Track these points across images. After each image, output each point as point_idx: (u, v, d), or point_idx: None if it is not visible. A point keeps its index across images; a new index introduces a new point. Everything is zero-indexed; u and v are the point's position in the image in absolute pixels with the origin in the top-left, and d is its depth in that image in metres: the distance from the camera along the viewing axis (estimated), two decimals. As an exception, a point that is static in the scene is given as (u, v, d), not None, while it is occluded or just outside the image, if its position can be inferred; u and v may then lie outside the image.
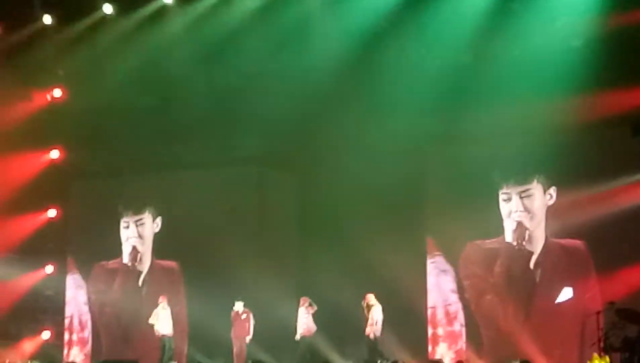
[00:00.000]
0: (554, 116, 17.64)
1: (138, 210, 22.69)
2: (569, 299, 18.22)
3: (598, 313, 15.83)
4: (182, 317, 21.46)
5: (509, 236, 18.96)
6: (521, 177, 18.82)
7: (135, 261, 22.71)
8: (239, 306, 20.19)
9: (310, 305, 19.61)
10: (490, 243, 19.12)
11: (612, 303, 16.13)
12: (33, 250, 22.31)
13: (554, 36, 17.72)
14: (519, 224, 18.87)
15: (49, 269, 22.92)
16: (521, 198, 18.90)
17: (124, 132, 21.60)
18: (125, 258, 22.81)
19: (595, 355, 14.82)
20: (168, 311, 20.66)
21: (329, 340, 19.20)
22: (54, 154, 23.21)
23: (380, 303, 18.67)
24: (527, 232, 18.79)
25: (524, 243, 18.78)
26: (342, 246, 19.49)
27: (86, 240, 22.78)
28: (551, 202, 18.62)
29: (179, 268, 22.14)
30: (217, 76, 20.65)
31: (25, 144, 21.98)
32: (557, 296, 18.27)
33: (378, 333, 18.59)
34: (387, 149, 19.51)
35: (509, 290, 18.75)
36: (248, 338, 20.05)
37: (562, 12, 17.48)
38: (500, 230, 19.02)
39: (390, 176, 19.29)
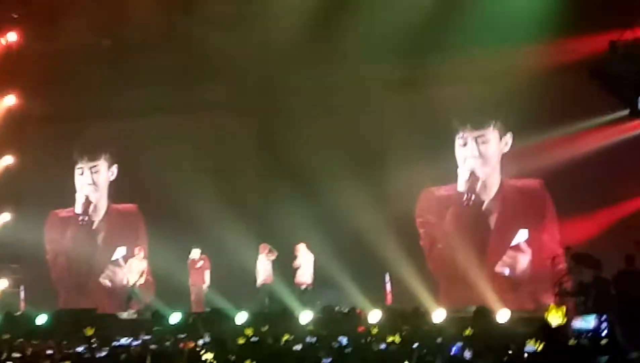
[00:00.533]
0: (514, 62, 17.60)
1: (93, 157, 22.44)
2: (525, 240, 18.33)
3: (554, 257, 15.95)
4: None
5: (461, 186, 19.00)
6: (478, 122, 18.82)
7: (88, 210, 22.51)
8: (195, 253, 20.11)
9: (270, 251, 19.58)
10: (445, 190, 19.18)
11: (568, 248, 16.29)
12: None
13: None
14: (472, 173, 19.01)
15: (5, 216, 22.58)
16: (477, 143, 18.90)
17: (81, 76, 21.21)
18: (78, 208, 22.59)
19: (552, 304, 14.88)
20: (144, 263, 20.56)
21: (288, 287, 19.14)
22: (10, 100, 22.72)
23: (342, 251, 18.65)
24: (479, 182, 18.87)
25: (474, 194, 18.92)
26: (303, 193, 19.41)
27: (42, 187, 22.42)
28: (506, 149, 18.71)
29: (139, 212, 21.98)
30: (178, 20, 20.29)
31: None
32: (512, 238, 18.38)
33: (309, 282, 18.95)
34: (347, 96, 19.37)
35: (461, 238, 18.82)
36: (205, 286, 20.00)
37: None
38: (455, 177, 19.05)
39: (350, 123, 19.24)
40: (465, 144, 19.04)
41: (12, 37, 22.17)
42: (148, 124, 21.65)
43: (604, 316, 13.59)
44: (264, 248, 19.65)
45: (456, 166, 19.12)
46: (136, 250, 20.84)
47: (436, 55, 18.51)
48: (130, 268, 20.70)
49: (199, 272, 20.08)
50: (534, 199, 18.41)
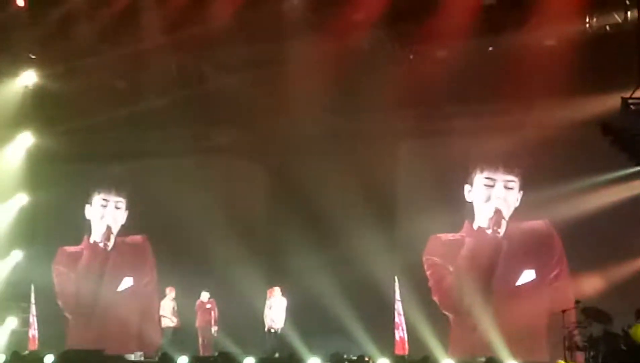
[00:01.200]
0: (528, 115, 17.77)
1: (117, 192, 22.57)
2: (532, 280, 18.38)
3: (564, 311, 15.89)
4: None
5: (483, 221, 19.00)
6: (509, 167, 18.97)
7: (108, 240, 22.54)
8: (204, 296, 20.09)
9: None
10: (452, 236, 19.33)
11: (578, 301, 16.22)
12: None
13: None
14: (498, 211, 18.98)
15: (17, 255, 22.67)
16: (505, 187, 19.04)
17: (95, 117, 21.37)
18: (98, 236, 22.58)
19: (561, 361, 14.86)
20: (174, 303, 20.55)
21: (298, 333, 19.10)
22: (26, 138, 22.93)
23: (350, 296, 18.59)
24: (503, 221, 18.93)
25: (499, 230, 18.94)
26: (313, 237, 19.40)
27: (53, 225, 22.49)
28: (517, 204, 18.87)
29: (147, 244, 22.08)
30: (191, 63, 20.50)
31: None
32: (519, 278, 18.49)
33: (278, 327, 19.12)
34: (360, 144, 19.50)
35: (471, 273, 18.91)
36: (214, 329, 19.96)
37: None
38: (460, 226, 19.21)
39: (362, 170, 19.32)
40: (492, 186, 19.15)
41: (28, 76, 22.41)
42: (159, 164, 21.79)
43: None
44: (271, 293, 19.63)
45: (463, 216, 19.21)
46: (167, 290, 20.71)
47: (450, 107, 18.68)
48: (165, 309, 20.60)
49: (207, 314, 20.06)
50: (539, 236, 18.67)
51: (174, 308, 20.49)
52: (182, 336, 20.34)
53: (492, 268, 18.95)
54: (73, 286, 22.48)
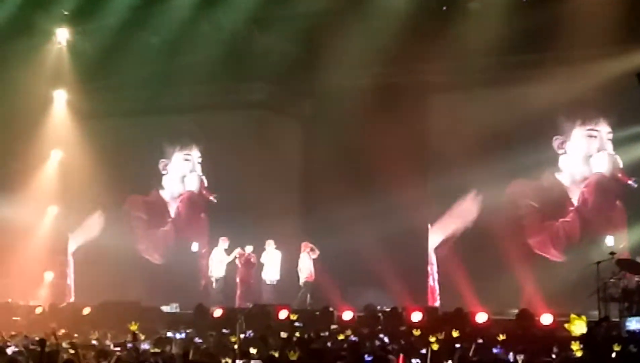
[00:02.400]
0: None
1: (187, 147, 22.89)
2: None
3: (599, 262, 15.84)
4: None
5: (602, 167, 19.20)
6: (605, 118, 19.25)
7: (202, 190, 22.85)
8: (246, 249, 20.32)
9: (312, 249, 19.71)
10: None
11: (612, 253, 16.15)
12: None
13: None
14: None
15: (54, 210, 22.96)
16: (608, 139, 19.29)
17: (128, 73, 21.47)
18: (194, 187, 22.91)
19: (573, 315, 14.79)
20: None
21: (332, 285, 19.25)
22: (60, 96, 23.12)
23: (385, 250, 18.71)
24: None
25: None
26: (345, 191, 19.45)
27: (88, 182, 22.67)
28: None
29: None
30: (222, 18, 20.48)
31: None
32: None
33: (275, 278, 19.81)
34: (394, 98, 19.49)
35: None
36: (252, 281, 20.23)
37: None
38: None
39: (397, 124, 19.30)
40: (596, 136, 19.36)
41: (62, 34, 22.51)
42: (195, 121, 21.94)
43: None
44: (305, 246, 19.82)
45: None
46: (220, 241, 21.00)
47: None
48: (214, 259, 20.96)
49: (248, 268, 20.30)
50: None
51: (221, 260, 20.80)
52: (226, 286, 20.66)
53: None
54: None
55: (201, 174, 22.78)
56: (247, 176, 20.88)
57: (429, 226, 19.00)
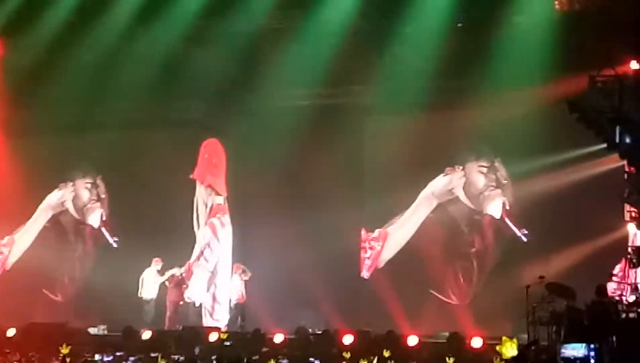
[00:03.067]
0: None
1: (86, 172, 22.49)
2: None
3: (528, 286, 15.96)
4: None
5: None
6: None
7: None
8: (176, 271, 20.04)
9: (244, 271, 19.60)
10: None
11: (541, 277, 16.29)
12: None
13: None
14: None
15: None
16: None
17: (62, 91, 21.13)
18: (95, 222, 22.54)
19: (505, 337, 14.93)
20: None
21: (262, 307, 19.12)
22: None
23: (317, 269, 18.62)
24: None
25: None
26: (278, 212, 19.43)
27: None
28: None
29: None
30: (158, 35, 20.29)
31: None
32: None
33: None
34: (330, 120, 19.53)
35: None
36: (182, 303, 19.99)
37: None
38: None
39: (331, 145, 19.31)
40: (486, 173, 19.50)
41: (-3, 49, 22.05)
42: (127, 138, 21.64)
43: (593, 346, 13.67)
44: (237, 268, 19.71)
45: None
46: (153, 262, 20.33)
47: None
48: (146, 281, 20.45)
49: (178, 289, 20.01)
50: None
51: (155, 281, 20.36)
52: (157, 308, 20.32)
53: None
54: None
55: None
56: (177, 195, 20.67)
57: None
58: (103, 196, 22.42)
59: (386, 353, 13.29)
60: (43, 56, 20.87)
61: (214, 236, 21.00)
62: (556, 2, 17.75)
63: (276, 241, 19.05)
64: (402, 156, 19.18)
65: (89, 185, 22.56)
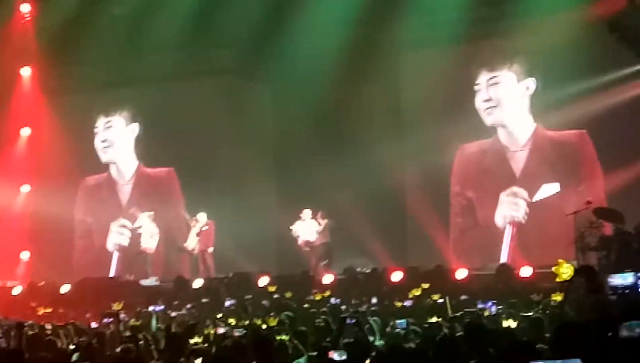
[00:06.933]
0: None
1: (107, 114, 22.52)
2: (555, 194, 18.26)
3: (575, 212, 15.80)
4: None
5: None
6: (491, 65, 18.89)
7: (110, 172, 22.66)
8: (202, 217, 19.97)
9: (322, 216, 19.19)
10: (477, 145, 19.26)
11: (589, 202, 16.10)
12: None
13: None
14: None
15: (26, 188, 22.68)
16: (487, 85, 18.78)
17: (96, 47, 21.16)
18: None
19: (561, 260, 14.77)
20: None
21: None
22: (25, 72, 22.74)
23: (364, 211, 18.59)
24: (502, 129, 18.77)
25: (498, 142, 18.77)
26: (320, 153, 19.33)
27: (60, 159, 22.36)
28: (528, 93, 18.58)
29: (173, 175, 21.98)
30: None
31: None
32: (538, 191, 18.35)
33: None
34: (362, 59, 19.27)
35: (485, 187, 18.86)
36: (210, 249, 19.86)
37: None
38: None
39: (366, 85, 19.12)
40: (480, 90, 18.94)
41: (25, 8, 22.10)
42: (163, 89, 21.66)
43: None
44: (314, 213, 19.25)
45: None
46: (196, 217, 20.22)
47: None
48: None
49: (206, 235, 19.91)
50: (567, 150, 18.33)
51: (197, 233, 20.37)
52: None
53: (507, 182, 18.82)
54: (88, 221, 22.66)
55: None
56: (218, 143, 20.70)
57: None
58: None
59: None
60: (74, 13, 20.93)
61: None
62: None
63: (319, 182, 18.91)
64: (439, 90, 18.89)
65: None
